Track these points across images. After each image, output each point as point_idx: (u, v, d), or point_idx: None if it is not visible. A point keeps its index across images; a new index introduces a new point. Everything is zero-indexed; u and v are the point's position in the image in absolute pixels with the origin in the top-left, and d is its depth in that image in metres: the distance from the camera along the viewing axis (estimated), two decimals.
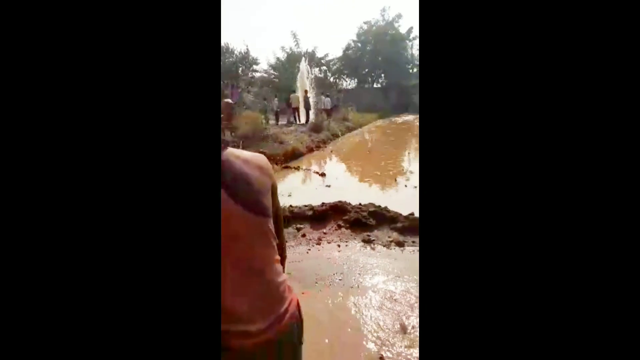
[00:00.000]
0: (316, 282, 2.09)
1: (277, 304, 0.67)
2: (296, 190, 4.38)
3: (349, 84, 24.18)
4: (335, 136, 9.29)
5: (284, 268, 0.76)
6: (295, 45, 21.57)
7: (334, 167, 6.16)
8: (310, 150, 7.29)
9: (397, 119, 15.63)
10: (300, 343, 0.75)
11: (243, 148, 4.78)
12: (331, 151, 7.49)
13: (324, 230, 2.85)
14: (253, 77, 22.19)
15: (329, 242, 2.66)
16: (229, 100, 2.43)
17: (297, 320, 0.72)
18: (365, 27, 22.33)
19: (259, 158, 0.72)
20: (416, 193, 3.99)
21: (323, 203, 3.20)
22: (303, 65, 14.03)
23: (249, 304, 0.63)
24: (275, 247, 0.70)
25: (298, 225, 2.92)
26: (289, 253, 2.46)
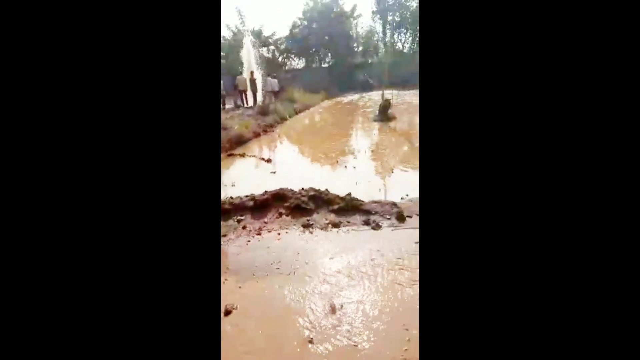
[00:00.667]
0: (253, 274, 2.10)
1: None
2: (240, 179, 4.27)
3: (297, 64, 23.70)
4: (283, 119, 9.13)
5: None
6: (241, 23, 20.38)
7: (282, 151, 6.09)
8: (257, 135, 7.09)
9: (342, 98, 15.77)
10: None
11: None
12: (279, 135, 7.37)
13: (265, 220, 2.84)
14: None
15: (269, 231, 2.66)
16: None
17: None
18: (311, 3, 21.72)
19: None
20: (354, 173, 4.13)
21: (265, 192, 3.17)
22: (248, 44, 13.36)
23: None
24: None
25: (238, 217, 2.87)
26: (229, 246, 2.42)
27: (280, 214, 2.88)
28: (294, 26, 22.34)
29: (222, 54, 20.44)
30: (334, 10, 21.38)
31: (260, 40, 21.06)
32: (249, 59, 12.73)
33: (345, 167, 4.53)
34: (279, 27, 31.95)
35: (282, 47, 22.77)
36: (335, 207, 2.87)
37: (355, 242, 2.40)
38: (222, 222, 2.80)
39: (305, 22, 22.07)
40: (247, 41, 13.78)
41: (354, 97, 15.99)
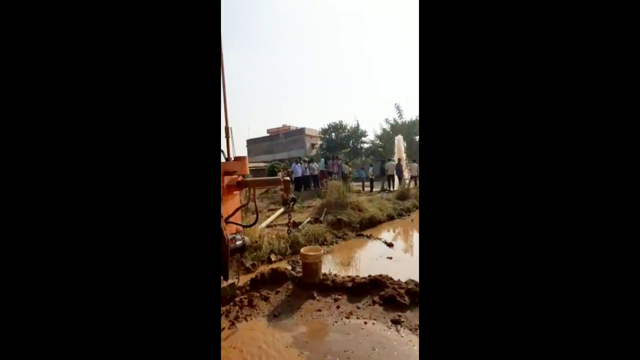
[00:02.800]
0: (326, 356, 2.18)
1: None
2: (359, 260, 4.49)
3: None
4: None
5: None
6: (399, 116, 22.77)
7: (409, 238, 5.95)
8: (391, 218, 7.27)
9: None
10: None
11: (325, 215, 5.16)
12: (412, 220, 7.26)
13: (358, 305, 2.89)
14: (362, 147, 24.27)
15: (357, 318, 2.69)
16: (287, 178, 3.07)
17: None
18: None
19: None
20: None
21: (369, 276, 3.26)
22: (399, 136, 14.71)
23: None
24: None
25: (336, 296, 3.05)
26: (319, 322, 2.62)
27: (374, 302, 2.86)
28: None
29: (381, 143, 22.96)
30: None
31: (416, 129, 22.52)
32: (399, 146, 13.86)
33: None
34: None
35: None
36: None
37: None
38: (322, 297, 3.06)
39: None
40: (399, 133, 15.15)
41: None
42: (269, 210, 7.56)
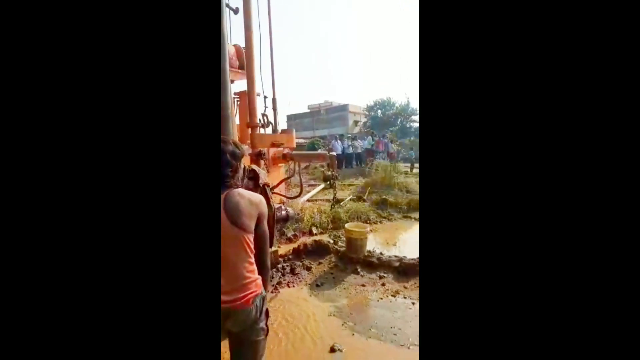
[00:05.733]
0: (370, 329, 2.12)
1: (242, 287, 1.05)
2: (405, 241, 4.32)
3: None
4: None
5: (265, 278, 1.16)
6: None
7: None
8: None
9: None
10: (261, 321, 1.11)
11: (369, 194, 5.11)
12: None
13: (405, 285, 2.77)
14: (411, 127, 23.16)
15: (404, 297, 2.58)
16: (333, 153, 3.02)
17: (257, 295, 1.08)
18: None
19: (253, 196, 1.12)
20: None
21: (418, 258, 3.10)
22: None
23: (224, 282, 1.01)
24: (249, 252, 1.08)
25: (381, 274, 2.96)
26: (363, 296, 2.58)
27: None
28: None
29: None
30: None
31: None
32: None
33: None
34: None
35: None
36: None
37: None
38: (366, 273, 2.99)
39: None
40: None
41: None
42: (309, 185, 7.60)
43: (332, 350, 1.88)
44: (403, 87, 72.45)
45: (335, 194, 3.83)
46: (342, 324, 2.18)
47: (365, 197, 6.03)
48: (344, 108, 26.59)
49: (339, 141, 11.59)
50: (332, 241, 3.70)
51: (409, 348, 1.90)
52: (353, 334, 2.06)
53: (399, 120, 23.76)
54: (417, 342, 1.96)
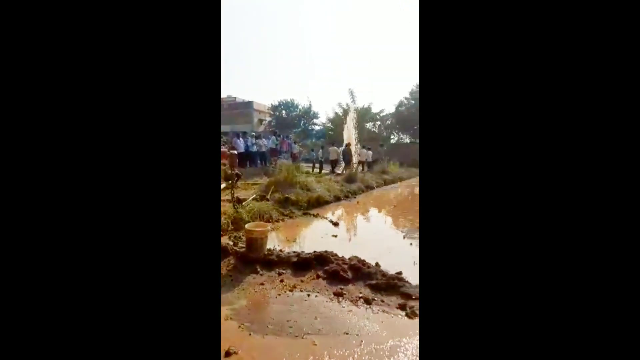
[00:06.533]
0: (267, 326, 2.15)
1: None
2: (304, 237, 4.52)
3: (401, 138, 24.61)
4: (369, 188, 9.38)
5: None
6: (352, 101, 23.12)
7: (354, 218, 6.18)
8: (338, 199, 7.46)
9: None
10: None
11: (272, 193, 5.11)
12: (357, 202, 7.55)
13: (302, 279, 2.91)
14: (312, 129, 24.20)
15: (301, 291, 2.70)
16: (234, 152, 2.92)
17: None
18: (416, 88, 23.08)
19: None
20: (415, 254, 3.81)
21: (314, 252, 3.29)
22: (349, 118, 14.91)
23: None
24: None
25: (280, 270, 3.03)
26: (261, 294, 2.58)
27: (318, 276, 2.91)
28: (400, 104, 23.87)
29: (332, 126, 23.22)
30: None
31: (369, 115, 23.19)
32: (349, 131, 14.11)
33: (411, 244, 4.25)
34: (388, 106, 34.66)
35: (387, 123, 24.34)
36: (374, 282, 2.72)
37: (378, 325, 2.19)
38: (265, 272, 3.01)
39: (412, 102, 23.30)
40: (349, 116, 15.40)
41: None
42: None
43: (228, 354, 1.83)
44: (305, 90, 75.47)
45: (233, 194, 3.71)
46: (239, 326, 2.15)
47: (268, 196, 6.04)
48: (248, 105, 25.89)
49: (241, 139, 11.18)
50: (231, 243, 3.58)
51: (302, 338, 2.01)
52: (250, 334, 2.05)
53: (302, 122, 24.67)
54: (310, 331, 2.10)
